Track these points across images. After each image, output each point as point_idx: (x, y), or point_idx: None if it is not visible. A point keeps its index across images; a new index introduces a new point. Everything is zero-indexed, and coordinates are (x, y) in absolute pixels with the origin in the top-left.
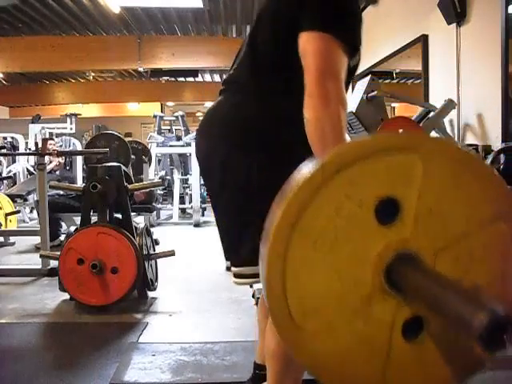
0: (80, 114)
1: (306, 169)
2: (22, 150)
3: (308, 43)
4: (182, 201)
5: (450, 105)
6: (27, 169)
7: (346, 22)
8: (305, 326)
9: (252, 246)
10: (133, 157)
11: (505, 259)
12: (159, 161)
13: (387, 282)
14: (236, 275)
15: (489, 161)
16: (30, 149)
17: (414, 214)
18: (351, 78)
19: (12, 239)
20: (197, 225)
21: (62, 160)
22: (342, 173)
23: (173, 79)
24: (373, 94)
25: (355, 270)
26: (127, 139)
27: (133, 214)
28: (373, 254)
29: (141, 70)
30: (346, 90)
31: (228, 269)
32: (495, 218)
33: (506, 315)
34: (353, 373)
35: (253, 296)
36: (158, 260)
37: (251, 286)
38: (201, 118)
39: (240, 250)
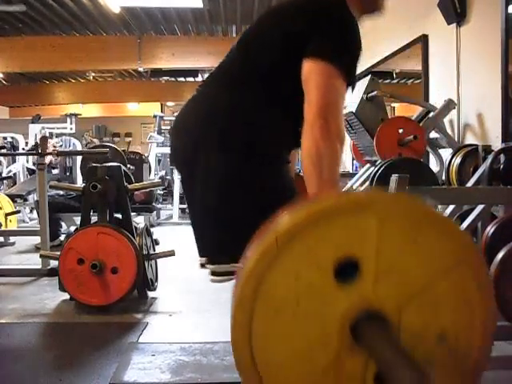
0: (80, 114)
1: (261, 240)
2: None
3: (313, 73)
4: (182, 201)
5: (449, 105)
6: (27, 168)
7: (353, 55)
8: None
9: (233, 243)
10: (132, 167)
11: (468, 301)
12: (159, 161)
13: (355, 338)
14: (214, 273)
15: (489, 161)
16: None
17: (374, 272)
18: None
19: (12, 239)
20: None
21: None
22: (297, 240)
23: (173, 79)
24: (373, 93)
25: (321, 333)
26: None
27: (133, 214)
28: (337, 315)
29: (141, 70)
30: None
31: (202, 266)
32: (457, 265)
33: None
34: None
35: None
36: (158, 260)
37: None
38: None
39: (221, 248)
